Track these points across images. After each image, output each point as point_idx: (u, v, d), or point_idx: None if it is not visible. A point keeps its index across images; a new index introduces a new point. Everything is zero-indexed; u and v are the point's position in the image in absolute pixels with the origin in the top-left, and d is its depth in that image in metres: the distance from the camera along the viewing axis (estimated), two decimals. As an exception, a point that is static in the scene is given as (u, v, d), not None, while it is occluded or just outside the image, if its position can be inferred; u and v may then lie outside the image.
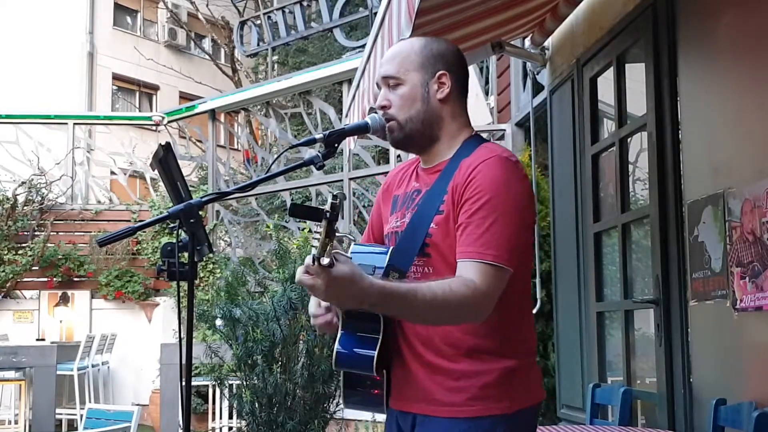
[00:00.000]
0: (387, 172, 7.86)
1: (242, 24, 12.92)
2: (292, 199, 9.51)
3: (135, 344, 9.52)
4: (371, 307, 1.65)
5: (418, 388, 1.83)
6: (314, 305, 1.90)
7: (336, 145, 1.88)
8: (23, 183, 9.89)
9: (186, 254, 1.88)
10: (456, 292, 1.67)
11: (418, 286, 1.67)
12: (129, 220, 9.83)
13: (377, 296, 1.60)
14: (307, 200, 10.02)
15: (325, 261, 1.49)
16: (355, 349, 1.80)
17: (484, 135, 6.02)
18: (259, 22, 12.24)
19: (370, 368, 1.78)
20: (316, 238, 1.50)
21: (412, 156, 2.06)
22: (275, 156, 10.11)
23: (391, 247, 1.87)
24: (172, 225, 1.89)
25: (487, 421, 1.78)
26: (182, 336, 1.88)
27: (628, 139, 4.12)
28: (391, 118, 1.90)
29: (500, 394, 1.79)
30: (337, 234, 1.51)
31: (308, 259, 1.54)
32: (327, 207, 1.48)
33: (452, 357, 1.81)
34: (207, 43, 20.50)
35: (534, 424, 1.88)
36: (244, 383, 4.95)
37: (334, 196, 1.49)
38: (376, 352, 1.77)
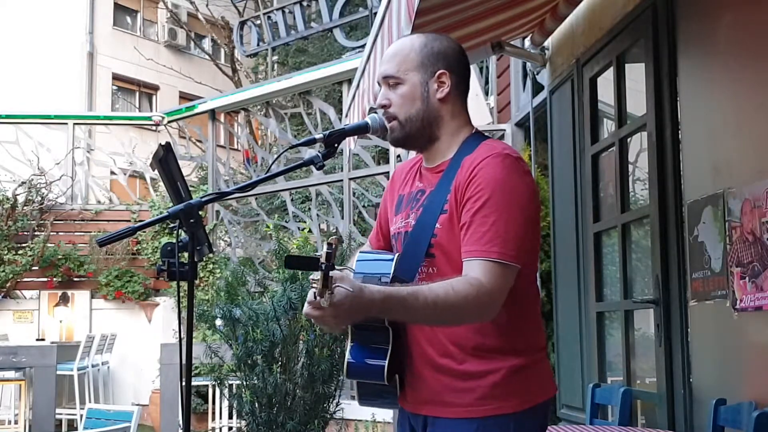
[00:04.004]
0: (387, 172, 7.86)
1: (242, 24, 12.92)
2: (292, 199, 9.51)
3: (135, 344, 9.51)
4: (376, 315, 1.69)
5: (428, 390, 1.84)
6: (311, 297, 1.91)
7: (336, 145, 1.88)
8: (23, 183, 9.87)
9: (186, 254, 1.88)
10: (459, 292, 1.67)
11: (419, 288, 1.68)
12: (129, 220, 9.82)
13: (379, 305, 1.64)
14: (307, 200, 10.01)
15: (324, 304, 1.54)
16: (365, 360, 1.81)
17: (484, 135, 6.01)
18: (259, 22, 12.24)
19: (381, 378, 1.79)
20: (315, 280, 1.54)
21: (413, 154, 2.06)
22: (275, 156, 10.11)
23: (397, 255, 1.87)
24: (172, 225, 1.89)
25: (498, 420, 1.79)
26: (182, 336, 1.88)
27: (628, 139, 4.12)
28: (391, 117, 1.90)
29: (510, 393, 1.79)
30: (337, 272, 1.55)
31: (311, 295, 1.59)
32: (322, 258, 1.50)
33: (459, 357, 1.81)
34: (207, 43, 20.50)
35: (545, 419, 1.88)
36: (244, 383, 4.95)
37: (329, 245, 1.50)
38: (386, 362, 1.78)
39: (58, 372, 7.50)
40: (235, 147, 16.48)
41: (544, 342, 1.93)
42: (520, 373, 1.81)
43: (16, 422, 7.98)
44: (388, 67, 1.91)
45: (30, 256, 9.46)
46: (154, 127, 11.74)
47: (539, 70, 5.26)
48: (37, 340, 9.32)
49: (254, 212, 10.36)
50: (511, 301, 1.76)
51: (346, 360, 1.82)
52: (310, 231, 8.20)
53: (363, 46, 6.31)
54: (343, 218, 8.39)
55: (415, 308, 1.66)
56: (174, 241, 1.88)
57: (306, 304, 1.63)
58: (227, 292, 5.22)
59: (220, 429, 7.35)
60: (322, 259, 1.49)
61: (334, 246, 1.50)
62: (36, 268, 9.57)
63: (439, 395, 1.82)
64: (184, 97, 19.33)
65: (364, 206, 8.90)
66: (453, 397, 1.80)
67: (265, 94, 9.49)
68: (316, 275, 1.52)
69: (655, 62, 3.70)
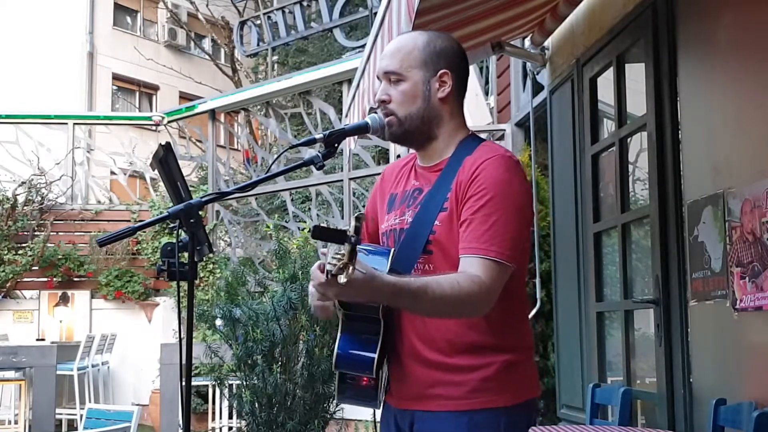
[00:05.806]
0: (387, 172, 7.87)
1: (242, 24, 12.92)
2: (292, 199, 9.51)
3: (135, 344, 9.52)
4: (379, 301, 1.70)
5: (417, 384, 1.84)
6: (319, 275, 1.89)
7: (336, 145, 1.88)
8: (23, 183, 9.88)
9: (186, 254, 1.88)
10: (464, 288, 1.69)
11: (428, 282, 1.69)
12: (129, 220, 9.82)
13: (389, 295, 1.64)
14: (307, 200, 10.02)
15: (342, 280, 1.50)
16: (355, 351, 1.80)
17: (484, 135, 6.02)
18: (259, 22, 12.24)
19: (370, 370, 1.79)
20: (336, 257, 1.50)
21: (412, 151, 2.06)
22: (275, 156, 10.11)
23: (392, 249, 1.87)
24: (172, 225, 1.89)
25: (489, 414, 1.79)
26: (182, 336, 1.88)
27: (628, 139, 4.12)
28: (390, 113, 1.89)
29: (501, 387, 1.80)
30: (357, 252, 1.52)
31: (319, 273, 1.56)
32: (351, 231, 1.48)
33: (451, 353, 1.81)
34: (207, 43, 20.50)
35: (533, 416, 1.89)
36: (244, 383, 4.95)
37: (357, 218, 1.49)
38: (376, 355, 1.78)
39: (58, 372, 7.51)
40: (235, 147, 16.48)
41: (532, 341, 1.95)
42: (511, 369, 1.82)
43: (16, 422, 7.98)
44: (390, 62, 1.90)
45: (30, 256, 9.46)
46: (154, 127, 11.75)
47: (539, 70, 5.26)
48: (37, 340, 9.33)
49: (254, 212, 10.37)
50: (504, 299, 1.78)
51: (334, 351, 1.81)
52: (310, 231, 8.17)
53: (363, 46, 6.31)
54: (343, 218, 8.39)
55: (423, 301, 1.68)
56: (174, 241, 1.88)
57: (316, 272, 1.60)
58: (227, 292, 5.22)
59: (220, 429, 7.35)
60: (351, 232, 1.47)
61: (362, 221, 1.49)
62: (36, 268, 9.57)
63: (429, 389, 1.82)
64: (184, 97, 19.33)
65: (364, 206, 8.89)
66: (443, 390, 1.81)
67: (265, 94, 9.50)
68: (341, 250, 1.49)
69: (655, 62, 3.70)
